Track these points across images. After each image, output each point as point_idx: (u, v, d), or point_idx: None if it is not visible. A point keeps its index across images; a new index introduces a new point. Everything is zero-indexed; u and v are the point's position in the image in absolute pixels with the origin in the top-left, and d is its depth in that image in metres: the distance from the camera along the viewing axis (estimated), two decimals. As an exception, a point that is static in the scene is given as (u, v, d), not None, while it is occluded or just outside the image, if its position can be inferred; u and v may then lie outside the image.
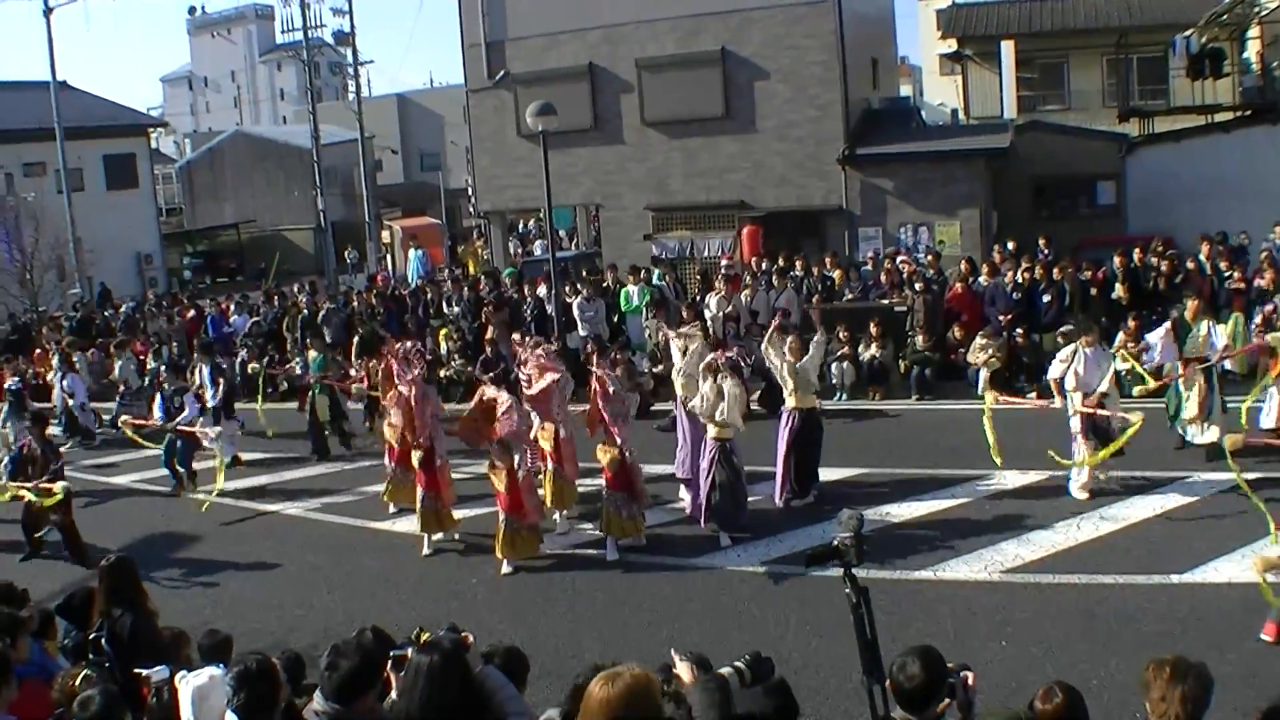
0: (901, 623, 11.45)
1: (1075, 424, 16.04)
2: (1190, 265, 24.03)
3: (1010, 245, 26.61)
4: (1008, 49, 35.02)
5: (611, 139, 33.48)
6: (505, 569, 14.46)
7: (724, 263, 28.68)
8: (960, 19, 43.79)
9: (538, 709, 6.40)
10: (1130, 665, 6.01)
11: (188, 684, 6.97)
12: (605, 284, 27.73)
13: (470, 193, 44.03)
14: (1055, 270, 24.38)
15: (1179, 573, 13.00)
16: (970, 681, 6.19)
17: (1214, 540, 13.93)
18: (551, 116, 24.11)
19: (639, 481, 15.19)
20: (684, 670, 5.96)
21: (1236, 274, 22.94)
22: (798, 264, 27.01)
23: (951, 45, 44.19)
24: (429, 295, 30.51)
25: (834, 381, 22.73)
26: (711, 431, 15.00)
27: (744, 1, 31.64)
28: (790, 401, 16.22)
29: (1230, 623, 11.44)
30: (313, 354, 22.17)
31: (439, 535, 15.76)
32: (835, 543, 5.85)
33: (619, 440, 14.92)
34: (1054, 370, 16.41)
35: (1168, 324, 17.67)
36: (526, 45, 34.15)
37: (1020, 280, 23.92)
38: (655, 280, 27.16)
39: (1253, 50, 37.69)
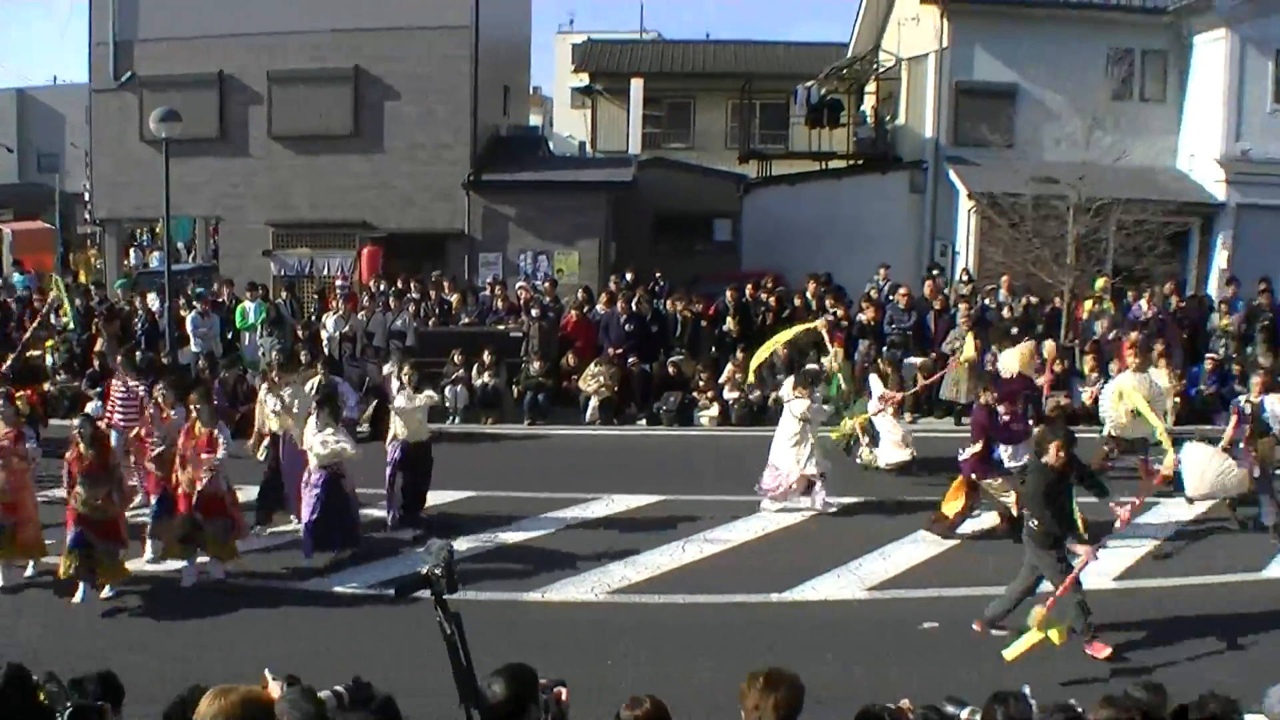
0: (511, 645, 11.41)
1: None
2: (797, 302, 25.04)
3: (628, 276, 27.10)
4: (636, 86, 35.70)
5: (237, 150, 32.43)
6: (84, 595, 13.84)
7: (339, 282, 28.43)
8: (593, 54, 44.64)
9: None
10: (733, 679, 6.25)
11: None
12: (221, 299, 27.02)
13: (88, 198, 42.43)
14: (668, 302, 25.09)
15: (779, 591, 13.57)
16: (563, 697, 6.30)
17: (812, 560, 14.69)
18: (176, 123, 23.48)
19: (235, 506, 14.85)
20: (274, 689, 5.88)
21: (839, 311, 24.04)
22: (414, 286, 26.98)
23: (584, 79, 44.87)
24: (35, 304, 29.26)
25: (449, 406, 22.70)
26: (314, 461, 14.78)
27: (381, 21, 31.14)
28: (398, 432, 16.17)
29: (826, 636, 12.06)
30: None
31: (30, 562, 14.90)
32: (425, 572, 5.85)
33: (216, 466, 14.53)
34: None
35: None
36: (157, 48, 32.72)
37: (634, 310, 24.41)
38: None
39: (868, 104, 39.42)
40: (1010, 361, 17.94)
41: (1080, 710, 6.84)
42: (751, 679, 6.14)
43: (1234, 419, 16.58)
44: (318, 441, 14.66)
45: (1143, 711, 6.85)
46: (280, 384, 16.34)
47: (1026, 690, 6.79)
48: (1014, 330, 23.07)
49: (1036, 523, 11.94)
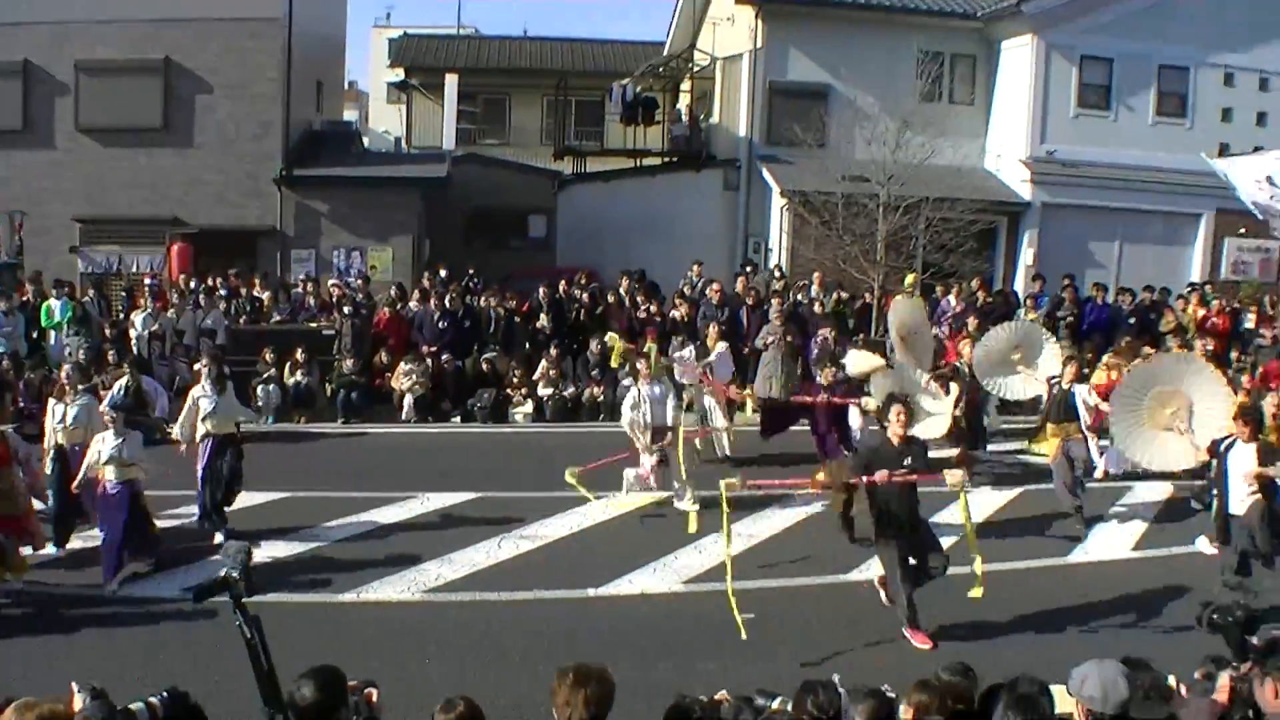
0: (328, 646, 11.36)
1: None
2: (611, 299, 25.20)
3: (442, 273, 26.98)
4: (451, 82, 35.58)
5: (42, 143, 31.29)
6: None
7: (147, 281, 27.83)
8: (409, 49, 44.42)
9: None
10: (550, 676, 6.29)
11: None
12: (25, 297, 26.21)
13: (-116, 191, 40.98)
14: (482, 299, 25.09)
15: (596, 586, 13.68)
16: (374, 699, 6.28)
17: (629, 554, 14.89)
18: (-23, 115, 22.88)
19: (30, 517, 14.37)
20: (77, 700, 5.78)
21: (653, 307, 24.35)
22: (218, 283, 26.45)
23: (399, 74, 44.58)
24: None
25: (259, 404, 22.40)
26: (113, 475, 14.36)
27: (194, 11, 30.34)
28: (207, 426, 15.83)
29: (645, 630, 12.30)
30: None
31: None
32: (224, 575, 5.79)
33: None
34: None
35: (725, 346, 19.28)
36: (-41, 36, 31.73)
37: (448, 307, 24.36)
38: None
39: (684, 102, 39.72)
40: (860, 363, 18.16)
41: (893, 695, 7.02)
42: (561, 676, 6.21)
43: (1045, 395, 17.34)
44: (121, 455, 14.25)
45: (954, 694, 7.06)
46: (70, 395, 15.86)
47: (836, 678, 6.94)
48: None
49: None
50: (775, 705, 6.92)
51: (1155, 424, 14.74)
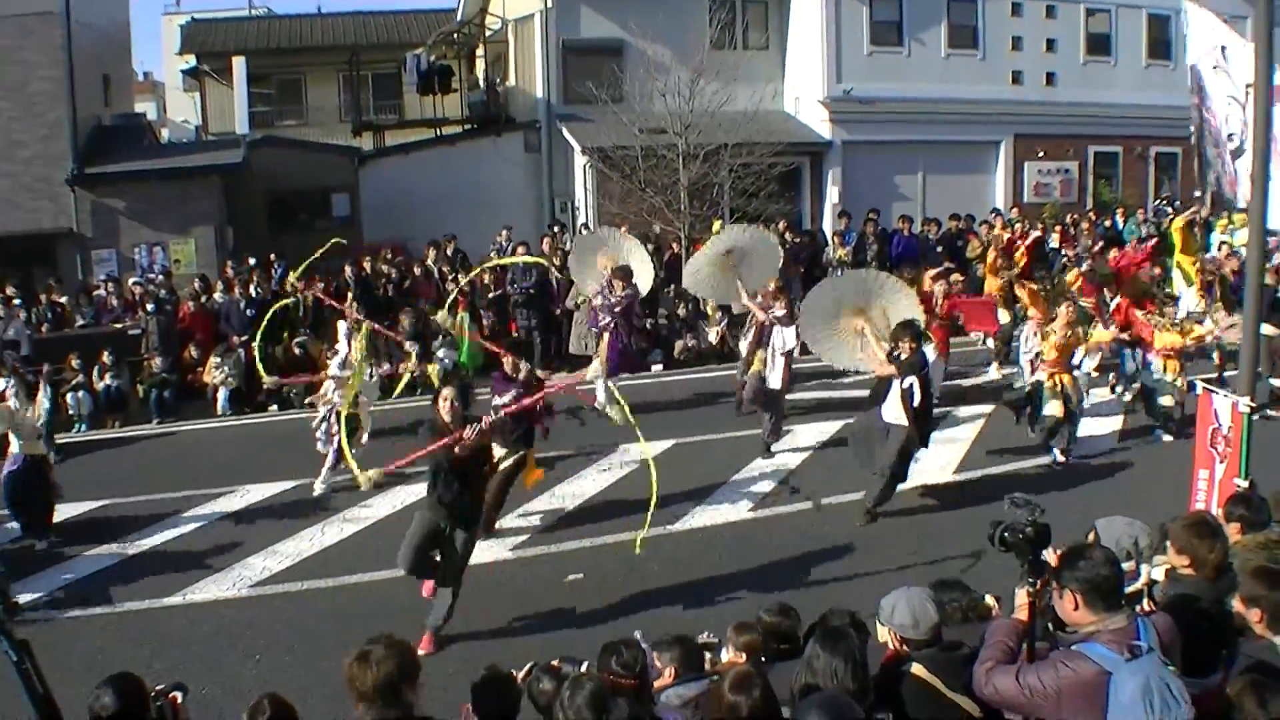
0: (156, 652, 11.34)
1: None
2: (417, 271, 25.03)
3: (251, 260, 26.58)
4: (239, 65, 35.07)
5: None
6: None
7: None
8: (199, 35, 43.44)
9: None
10: None
11: None
12: None
13: None
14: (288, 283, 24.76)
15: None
16: (179, 702, 6.19)
17: None
18: None
19: None
20: None
21: (460, 277, 24.30)
22: (8, 291, 25.40)
23: (191, 61, 43.66)
24: None
25: (72, 413, 21.91)
26: None
27: (-32, 11, 29.32)
28: (15, 447, 15.46)
29: (468, 601, 12.05)
30: None
31: None
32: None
33: None
34: None
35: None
36: None
37: (254, 295, 24.07)
38: None
39: (479, 68, 39.58)
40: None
41: (715, 640, 7.12)
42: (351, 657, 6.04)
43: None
44: None
45: (777, 634, 7.17)
46: None
47: (638, 634, 7.00)
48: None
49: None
50: (584, 669, 6.96)
51: (845, 333, 15.47)
